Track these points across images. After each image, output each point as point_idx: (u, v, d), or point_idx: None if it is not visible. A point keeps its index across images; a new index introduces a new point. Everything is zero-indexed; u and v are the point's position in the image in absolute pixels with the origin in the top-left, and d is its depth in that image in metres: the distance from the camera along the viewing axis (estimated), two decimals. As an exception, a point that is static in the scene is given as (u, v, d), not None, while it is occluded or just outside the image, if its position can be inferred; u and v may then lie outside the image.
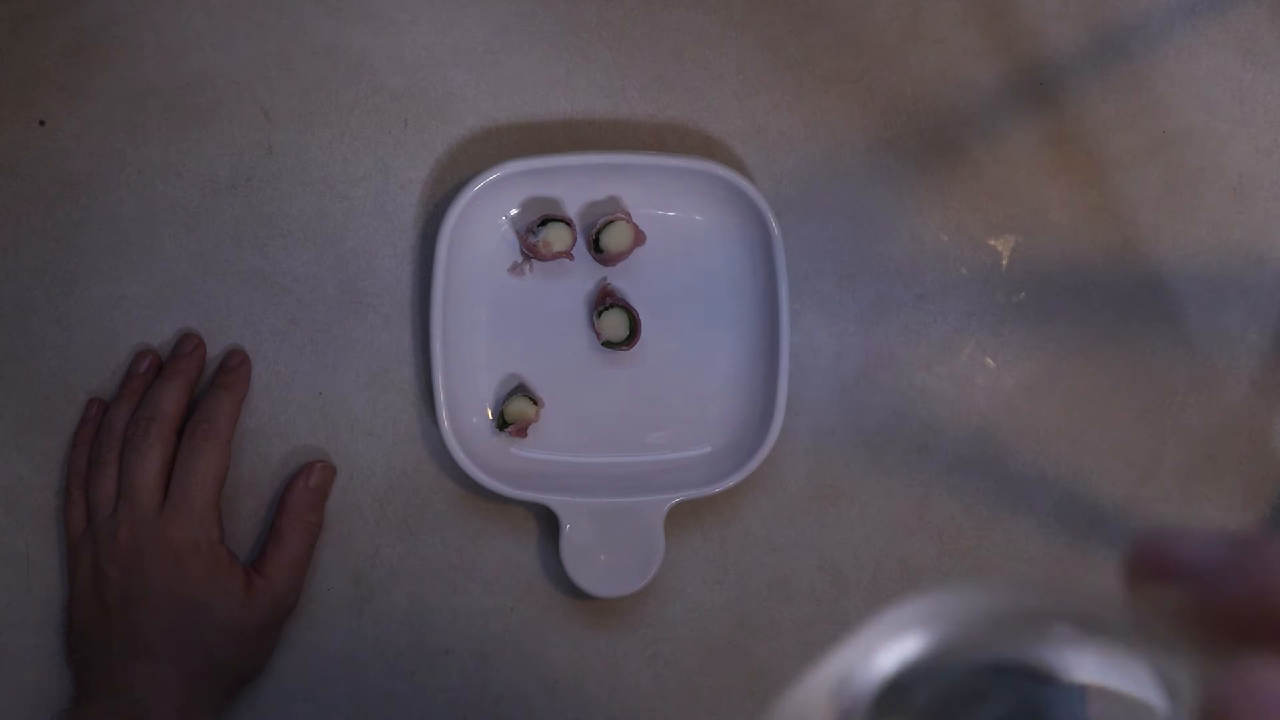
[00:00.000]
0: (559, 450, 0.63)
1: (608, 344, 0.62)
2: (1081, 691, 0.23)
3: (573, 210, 0.63)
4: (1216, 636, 0.22)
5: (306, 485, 0.62)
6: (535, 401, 0.62)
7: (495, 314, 0.63)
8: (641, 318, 0.62)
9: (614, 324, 0.62)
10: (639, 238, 0.62)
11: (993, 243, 0.65)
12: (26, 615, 0.62)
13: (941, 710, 0.23)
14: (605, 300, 0.62)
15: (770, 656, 0.63)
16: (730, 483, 0.61)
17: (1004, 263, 0.65)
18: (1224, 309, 0.65)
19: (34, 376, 0.63)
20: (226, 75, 0.64)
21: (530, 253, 0.62)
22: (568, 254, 0.62)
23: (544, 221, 0.61)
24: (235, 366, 0.62)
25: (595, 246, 0.62)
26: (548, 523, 0.63)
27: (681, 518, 0.63)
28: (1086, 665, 0.23)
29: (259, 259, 0.63)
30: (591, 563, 0.61)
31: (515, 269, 0.63)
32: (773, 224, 0.61)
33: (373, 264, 0.63)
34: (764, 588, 0.64)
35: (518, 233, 0.62)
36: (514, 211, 0.63)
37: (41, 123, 0.63)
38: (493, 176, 0.61)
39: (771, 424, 0.61)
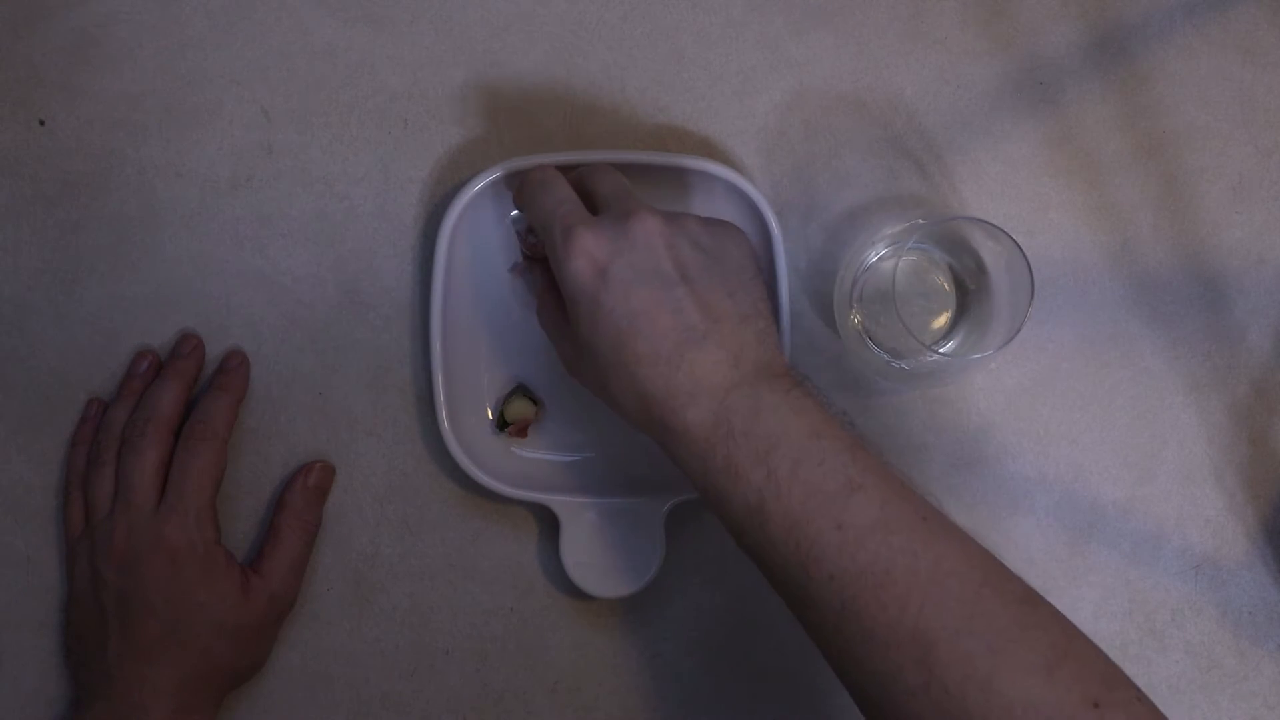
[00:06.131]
0: (559, 450, 0.63)
1: (608, 344, 0.62)
2: None
3: (573, 210, 0.63)
4: None
5: (305, 485, 0.62)
6: (535, 401, 0.62)
7: (495, 314, 0.63)
8: (641, 318, 0.62)
9: (614, 324, 0.62)
10: (639, 238, 0.62)
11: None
12: (26, 615, 0.62)
13: None
14: (605, 300, 0.62)
15: (770, 656, 0.63)
16: (730, 483, 0.61)
17: (1004, 263, 0.65)
18: (1224, 309, 0.65)
19: (34, 376, 0.63)
20: (226, 75, 0.64)
21: (530, 253, 0.62)
22: (568, 254, 0.62)
23: (544, 221, 0.61)
24: (233, 367, 0.62)
25: (595, 246, 0.62)
26: (548, 523, 0.63)
27: (681, 518, 0.63)
28: None
29: (259, 259, 0.63)
30: (591, 563, 0.61)
31: (515, 269, 0.63)
32: (773, 224, 0.61)
33: (373, 264, 0.63)
34: (764, 588, 0.64)
35: (518, 233, 0.62)
36: (514, 211, 0.63)
37: (41, 123, 0.63)
38: (493, 176, 0.61)
39: (771, 424, 0.61)
